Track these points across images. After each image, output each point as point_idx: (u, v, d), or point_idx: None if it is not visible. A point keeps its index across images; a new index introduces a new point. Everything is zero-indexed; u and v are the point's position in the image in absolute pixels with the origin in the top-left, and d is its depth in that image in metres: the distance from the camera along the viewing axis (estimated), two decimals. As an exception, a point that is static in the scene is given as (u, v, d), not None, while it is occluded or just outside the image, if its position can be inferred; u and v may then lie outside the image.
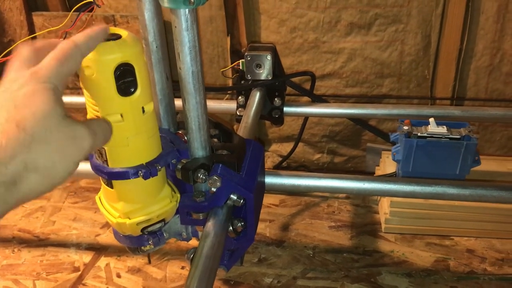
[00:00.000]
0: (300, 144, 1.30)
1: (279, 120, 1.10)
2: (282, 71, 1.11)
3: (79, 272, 1.00)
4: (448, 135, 0.95)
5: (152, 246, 0.65)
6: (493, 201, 0.77)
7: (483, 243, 1.05)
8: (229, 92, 1.26)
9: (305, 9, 1.14)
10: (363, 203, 1.19)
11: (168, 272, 1.00)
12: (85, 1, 0.64)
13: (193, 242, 0.71)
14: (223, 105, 1.13)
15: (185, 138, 0.66)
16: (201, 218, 0.64)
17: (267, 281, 0.97)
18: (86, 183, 1.28)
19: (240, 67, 1.06)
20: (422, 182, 0.77)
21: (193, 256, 0.59)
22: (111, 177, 0.58)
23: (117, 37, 0.51)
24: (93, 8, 0.65)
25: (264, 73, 1.05)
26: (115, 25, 1.21)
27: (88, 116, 0.54)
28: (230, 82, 1.24)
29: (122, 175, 0.57)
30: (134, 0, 1.20)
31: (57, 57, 0.42)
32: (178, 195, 0.65)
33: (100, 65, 0.49)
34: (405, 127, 0.97)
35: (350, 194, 1.21)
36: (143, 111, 0.55)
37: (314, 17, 1.15)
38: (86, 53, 0.45)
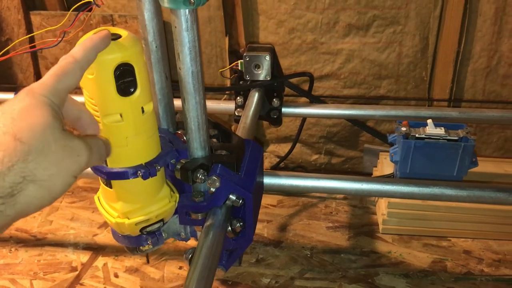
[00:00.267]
0: (298, 145, 1.31)
1: (277, 120, 1.10)
2: (280, 72, 1.11)
3: (77, 272, 1.00)
4: (446, 136, 0.95)
5: (151, 246, 0.65)
6: (490, 202, 0.78)
7: (480, 244, 1.06)
8: (227, 92, 1.27)
9: (304, 10, 1.14)
10: (361, 204, 1.20)
11: (166, 272, 1.00)
12: (84, 1, 0.64)
13: (191, 242, 0.71)
14: (222, 105, 1.14)
15: (184, 138, 0.66)
16: (200, 218, 0.64)
17: (265, 281, 0.97)
18: (84, 182, 1.28)
19: (239, 68, 1.06)
20: (420, 183, 0.77)
21: (191, 256, 0.59)
22: (110, 177, 0.58)
23: (117, 37, 0.51)
24: (92, 8, 0.65)
25: (263, 73, 1.05)
26: (113, 25, 1.21)
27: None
28: (228, 83, 1.24)
29: (121, 175, 0.57)
30: (133, 0, 1.20)
31: (55, 74, 0.43)
32: (177, 195, 0.65)
33: (100, 65, 0.49)
34: (403, 128, 0.98)
35: (348, 195, 1.21)
36: (143, 111, 0.55)
37: (313, 18, 1.15)
38: (86, 67, 0.46)
